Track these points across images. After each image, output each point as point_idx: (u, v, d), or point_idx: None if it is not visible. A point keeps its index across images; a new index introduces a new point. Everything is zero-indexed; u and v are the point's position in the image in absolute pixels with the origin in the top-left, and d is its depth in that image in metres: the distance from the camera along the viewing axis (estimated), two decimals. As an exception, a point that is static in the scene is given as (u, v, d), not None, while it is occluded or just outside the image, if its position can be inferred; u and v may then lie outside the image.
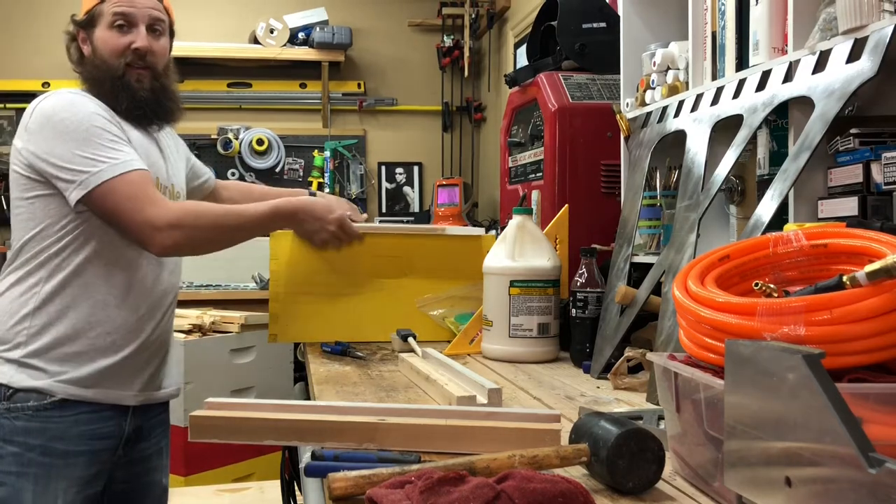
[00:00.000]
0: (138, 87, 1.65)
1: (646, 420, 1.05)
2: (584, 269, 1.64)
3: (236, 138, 4.72)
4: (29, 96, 1.84)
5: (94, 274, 1.59)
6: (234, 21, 4.75)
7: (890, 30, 1.03)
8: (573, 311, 1.63)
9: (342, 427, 0.99)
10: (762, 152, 1.36)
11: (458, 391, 1.20)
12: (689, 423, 0.86)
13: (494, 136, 4.28)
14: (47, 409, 1.54)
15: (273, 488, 2.60)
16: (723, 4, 1.43)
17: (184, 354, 2.87)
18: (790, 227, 1.10)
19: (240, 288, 3.81)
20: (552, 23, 2.17)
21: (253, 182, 4.56)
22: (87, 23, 1.67)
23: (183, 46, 4.17)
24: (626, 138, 1.77)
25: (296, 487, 1.90)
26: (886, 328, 0.72)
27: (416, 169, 5.02)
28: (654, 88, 1.67)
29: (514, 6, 4.30)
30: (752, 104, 1.30)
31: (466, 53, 4.72)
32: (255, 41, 4.66)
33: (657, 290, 1.44)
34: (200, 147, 4.66)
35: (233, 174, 4.72)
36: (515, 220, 1.73)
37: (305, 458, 0.93)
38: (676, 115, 1.56)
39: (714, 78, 1.46)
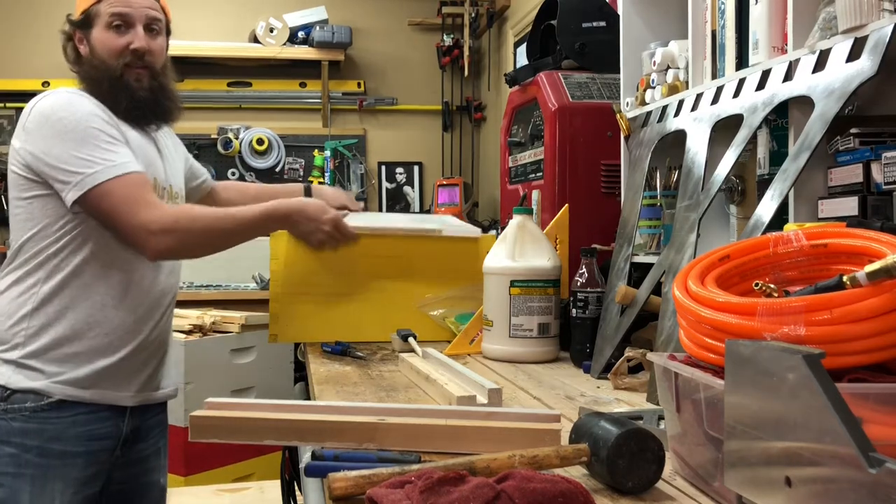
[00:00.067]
0: (137, 87, 1.65)
1: (646, 420, 1.05)
2: (585, 269, 1.64)
3: (236, 138, 4.72)
4: (29, 96, 1.83)
5: (92, 275, 1.58)
6: (233, 20, 4.75)
7: (890, 29, 1.03)
8: (573, 311, 1.63)
9: (342, 427, 0.99)
10: (762, 152, 1.36)
11: (458, 391, 1.20)
12: (689, 423, 0.86)
13: (494, 135, 4.28)
14: (45, 410, 1.54)
15: (273, 488, 2.60)
16: (723, 3, 1.43)
17: (184, 354, 2.87)
18: (790, 227, 1.10)
19: (240, 288, 3.81)
20: (552, 22, 2.17)
21: (252, 182, 4.56)
22: (84, 23, 1.66)
23: (183, 46, 4.19)
24: (626, 138, 1.77)
25: (296, 487, 1.90)
26: (886, 328, 0.72)
27: (416, 168, 5.02)
28: (654, 88, 1.67)
29: (513, 5, 4.30)
30: (752, 104, 1.30)
31: (466, 53, 4.72)
32: (255, 40, 4.66)
33: (657, 290, 1.44)
34: (200, 147, 4.66)
35: (233, 174, 4.72)
36: (515, 220, 1.73)
37: (305, 458, 0.93)
38: (676, 114, 1.56)
39: (714, 77, 1.46)
